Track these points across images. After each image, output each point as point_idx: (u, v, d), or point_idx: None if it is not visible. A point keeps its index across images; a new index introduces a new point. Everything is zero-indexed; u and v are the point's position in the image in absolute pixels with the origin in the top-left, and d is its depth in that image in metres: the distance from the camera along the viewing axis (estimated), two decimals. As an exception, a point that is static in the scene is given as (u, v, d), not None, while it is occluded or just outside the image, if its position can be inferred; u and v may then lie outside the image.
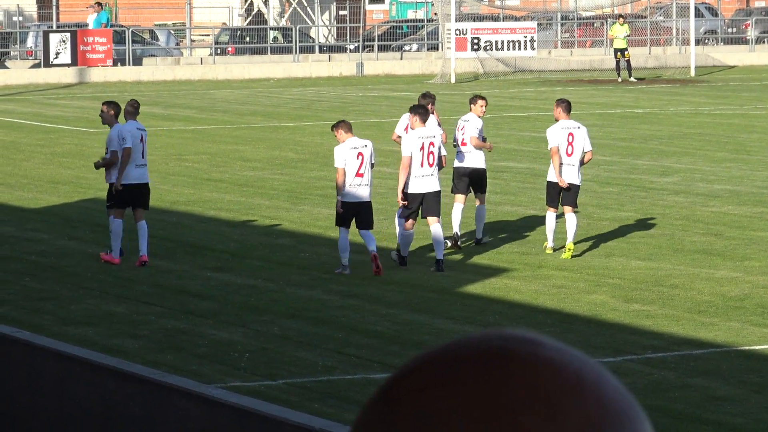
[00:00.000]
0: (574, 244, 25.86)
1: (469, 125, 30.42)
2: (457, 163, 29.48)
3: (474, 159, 29.96)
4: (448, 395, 1.39)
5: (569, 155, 28.52)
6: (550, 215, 27.80)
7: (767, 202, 31.29)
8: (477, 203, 28.68)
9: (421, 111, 27.59)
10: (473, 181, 28.89)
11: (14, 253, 26.80)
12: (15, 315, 20.35)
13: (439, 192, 27.36)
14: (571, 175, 28.00)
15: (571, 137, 28.60)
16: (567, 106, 30.50)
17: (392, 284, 23.99)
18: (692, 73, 66.91)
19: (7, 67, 72.40)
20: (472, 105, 31.33)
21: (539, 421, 1.37)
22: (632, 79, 64.13)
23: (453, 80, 63.64)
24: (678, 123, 47.22)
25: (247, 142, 43.20)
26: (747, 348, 19.75)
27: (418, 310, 21.86)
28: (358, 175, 26.88)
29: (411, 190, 26.88)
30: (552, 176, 28.35)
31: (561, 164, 28.37)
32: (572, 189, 27.92)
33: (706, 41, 76.19)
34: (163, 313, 21.07)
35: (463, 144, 30.11)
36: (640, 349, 19.43)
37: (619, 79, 63.81)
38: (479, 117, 28.93)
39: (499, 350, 1.41)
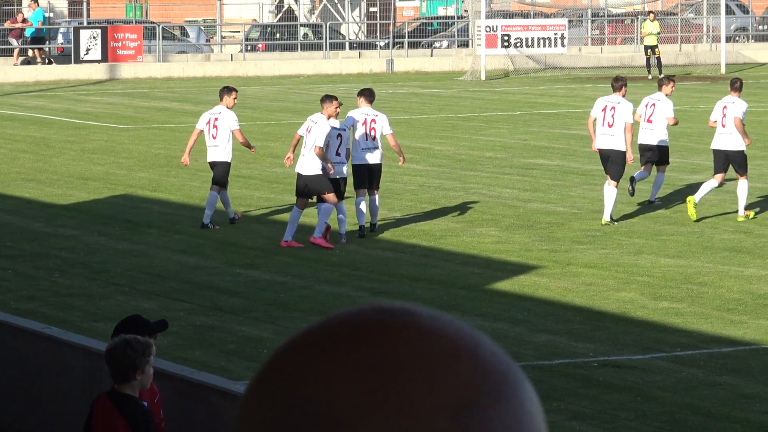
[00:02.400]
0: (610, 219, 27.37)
1: (660, 104, 32.06)
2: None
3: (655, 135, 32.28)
4: (329, 367, 1.41)
5: (610, 126, 30.12)
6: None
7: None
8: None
9: (366, 92, 29.86)
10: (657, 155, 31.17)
11: (44, 249, 26.83)
12: (44, 311, 20.32)
13: (379, 165, 28.89)
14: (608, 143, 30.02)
15: (612, 110, 30.27)
16: (616, 83, 31.94)
17: (423, 281, 24.03)
18: (723, 70, 66.77)
19: (38, 64, 72.55)
20: (662, 86, 33.04)
21: (417, 388, 1.38)
22: (662, 75, 64.03)
23: (483, 77, 63.51)
24: (708, 120, 47.20)
25: (277, 138, 43.17)
26: None
27: (447, 307, 21.84)
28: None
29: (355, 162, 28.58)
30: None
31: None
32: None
33: (737, 38, 75.96)
34: (193, 310, 21.10)
35: (649, 121, 31.72)
36: (669, 346, 19.39)
37: (650, 77, 63.47)
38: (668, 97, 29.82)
39: (375, 322, 1.43)
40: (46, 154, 40.13)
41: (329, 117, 26.71)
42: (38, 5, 76.59)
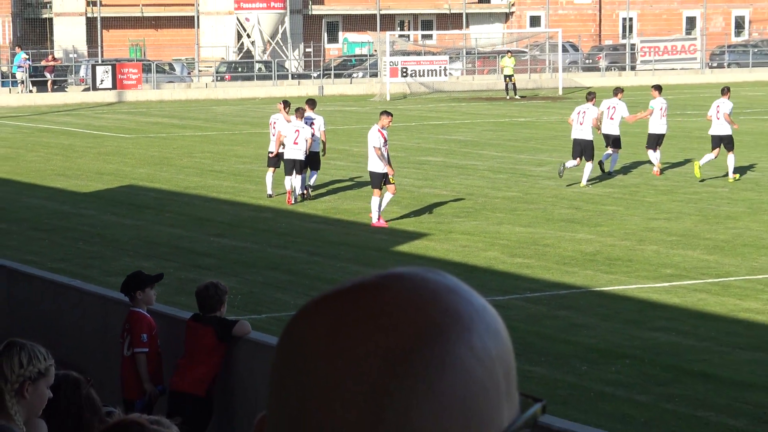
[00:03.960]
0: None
1: (619, 107, 33.77)
2: None
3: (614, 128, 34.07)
4: (330, 312, 1.38)
5: (581, 124, 32.22)
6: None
7: (613, 185, 31.40)
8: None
9: (297, 110, 30.09)
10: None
11: (71, 224, 26.69)
12: (71, 269, 20.27)
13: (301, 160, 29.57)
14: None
15: (583, 113, 32.53)
16: (588, 95, 33.89)
17: (344, 245, 23.96)
18: (560, 92, 66.96)
19: (66, 91, 72.08)
20: (618, 94, 34.23)
21: (358, 337, 1.34)
22: (517, 97, 64.10)
23: (388, 98, 63.42)
24: (549, 128, 47.16)
25: (240, 144, 43.16)
26: (597, 289, 19.81)
27: (363, 263, 21.88)
28: (295, 142, 29.48)
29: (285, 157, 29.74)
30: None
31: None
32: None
33: (570, 69, 76.14)
34: (179, 267, 21.08)
35: (611, 119, 33.53)
36: (521, 290, 19.46)
37: (507, 97, 63.82)
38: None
39: (371, 282, 1.40)
40: (72, 157, 39.90)
41: (382, 126, 26.11)
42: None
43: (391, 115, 27.09)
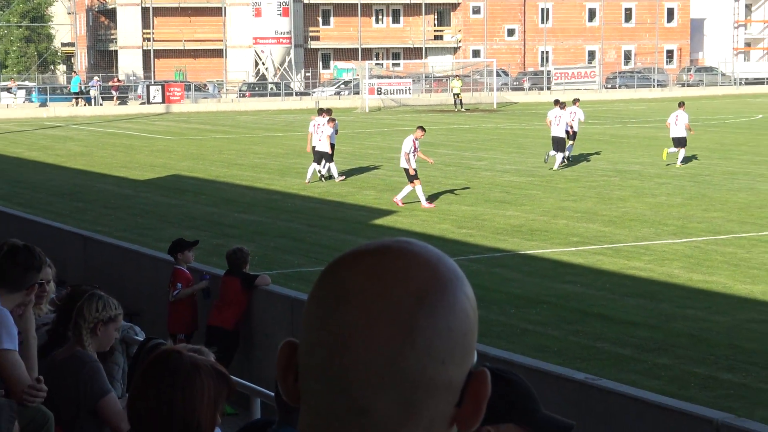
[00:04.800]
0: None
1: (577, 113, 34.93)
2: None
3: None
4: (345, 269, 1.39)
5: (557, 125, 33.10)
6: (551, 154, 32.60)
7: (534, 174, 31.40)
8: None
9: (331, 118, 30.39)
10: None
11: (131, 204, 26.57)
12: (132, 237, 20.14)
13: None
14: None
15: (558, 117, 33.19)
16: (556, 102, 34.82)
17: (336, 220, 23.89)
18: (495, 106, 66.89)
19: (127, 104, 71.94)
20: (576, 103, 35.38)
21: (395, 279, 1.36)
22: (463, 110, 63.96)
23: (367, 111, 63.35)
24: (487, 133, 47.11)
25: (257, 144, 42.96)
26: (522, 252, 19.79)
27: (349, 233, 21.81)
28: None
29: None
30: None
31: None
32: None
33: (501, 89, 76.02)
34: (211, 236, 20.93)
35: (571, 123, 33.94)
36: (466, 253, 19.34)
37: (456, 110, 63.67)
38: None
39: (393, 244, 1.41)
40: (132, 153, 39.75)
41: (416, 138, 26.14)
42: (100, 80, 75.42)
43: (425, 130, 27.19)
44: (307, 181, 29.70)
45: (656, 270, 17.94)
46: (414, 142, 26.07)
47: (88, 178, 32.21)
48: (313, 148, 30.24)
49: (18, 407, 4.98)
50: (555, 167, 32.07)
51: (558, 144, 32.63)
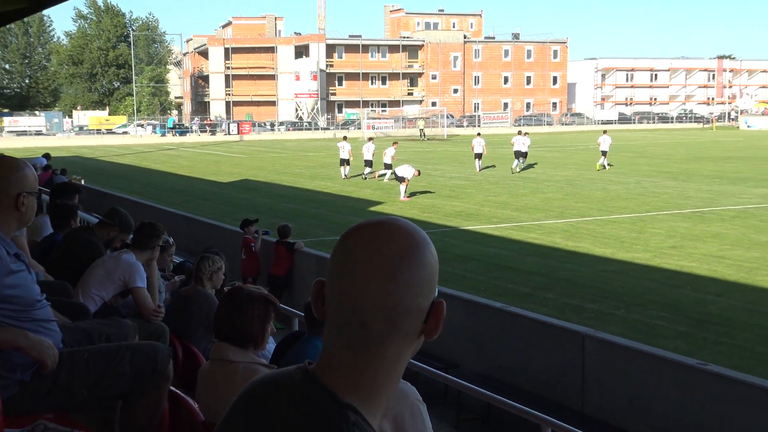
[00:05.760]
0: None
1: (527, 138, 34.58)
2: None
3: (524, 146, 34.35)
4: (357, 233, 1.38)
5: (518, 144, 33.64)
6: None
7: (470, 179, 31.12)
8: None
9: (370, 139, 29.34)
10: None
11: (218, 198, 25.89)
12: (218, 217, 19.22)
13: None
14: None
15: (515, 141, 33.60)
16: (518, 133, 34.51)
17: (344, 206, 23.16)
18: (446, 137, 66.61)
19: (215, 135, 71.20)
20: (527, 134, 34.84)
21: (384, 241, 1.34)
22: (426, 139, 63.76)
23: (365, 138, 63.06)
24: (441, 153, 46.80)
25: (297, 160, 42.70)
26: (462, 228, 19.47)
27: (352, 215, 21.40)
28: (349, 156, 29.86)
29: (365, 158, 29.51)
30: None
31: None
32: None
33: (449, 126, 75.78)
34: (269, 217, 20.49)
35: (524, 144, 33.83)
36: (427, 228, 18.77)
37: (420, 139, 63.51)
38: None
39: (381, 220, 1.39)
40: (218, 164, 39.42)
41: (394, 147, 28.03)
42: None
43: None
44: (380, 177, 30.77)
45: (545, 239, 17.87)
46: (393, 148, 29.04)
47: (191, 181, 31.88)
48: (367, 160, 31.26)
49: (144, 323, 4.82)
50: (518, 171, 33.32)
51: (519, 155, 33.97)
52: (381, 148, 34.47)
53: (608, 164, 34.77)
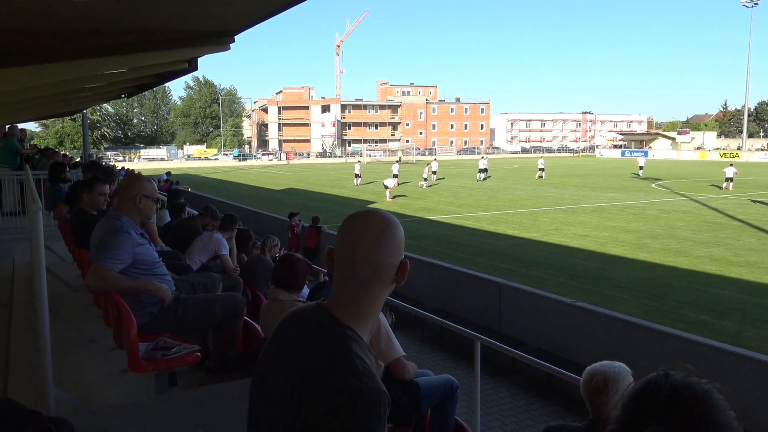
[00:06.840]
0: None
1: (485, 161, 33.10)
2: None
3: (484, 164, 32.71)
4: (353, 220, 1.33)
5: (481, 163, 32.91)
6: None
7: (431, 188, 30.65)
8: None
9: (399, 159, 28.17)
10: None
11: (272, 199, 25.11)
12: (272, 209, 18.35)
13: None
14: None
15: (480, 163, 32.55)
16: (481, 157, 33.25)
17: (352, 205, 22.56)
18: (415, 161, 64.82)
19: (271, 161, 70.03)
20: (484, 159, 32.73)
21: (368, 223, 1.30)
22: (403, 161, 62.12)
23: (365, 162, 62.32)
24: (412, 170, 45.83)
25: (323, 176, 41.93)
26: (426, 218, 18.98)
27: (356, 209, 21.16)
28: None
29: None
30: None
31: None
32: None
33: (417, 155, 74.56)
34: (306, 212, 19.60)
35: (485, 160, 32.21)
36: (401, 218, 18.48)
37: (399, 163, 61.83)
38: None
39: (367, 210, 1.36)
40: (274, 179, 38.33)
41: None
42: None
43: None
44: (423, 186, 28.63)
45: (476, 224, 17.58)
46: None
47: (256, 190, 31.10)
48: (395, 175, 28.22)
49: (227, 277, 4.74)
50: (482, 179, 32.73)
51: (482, 171, 34.21)
52: (383, 171, 33.90)
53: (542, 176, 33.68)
